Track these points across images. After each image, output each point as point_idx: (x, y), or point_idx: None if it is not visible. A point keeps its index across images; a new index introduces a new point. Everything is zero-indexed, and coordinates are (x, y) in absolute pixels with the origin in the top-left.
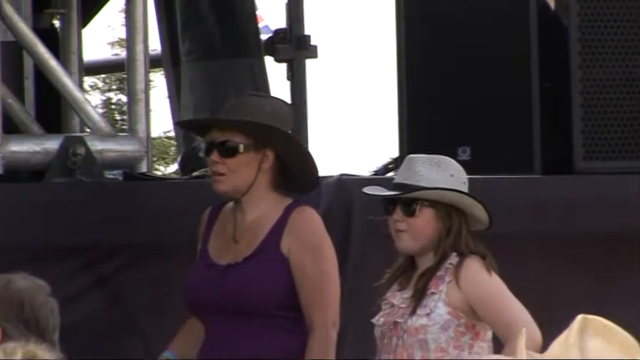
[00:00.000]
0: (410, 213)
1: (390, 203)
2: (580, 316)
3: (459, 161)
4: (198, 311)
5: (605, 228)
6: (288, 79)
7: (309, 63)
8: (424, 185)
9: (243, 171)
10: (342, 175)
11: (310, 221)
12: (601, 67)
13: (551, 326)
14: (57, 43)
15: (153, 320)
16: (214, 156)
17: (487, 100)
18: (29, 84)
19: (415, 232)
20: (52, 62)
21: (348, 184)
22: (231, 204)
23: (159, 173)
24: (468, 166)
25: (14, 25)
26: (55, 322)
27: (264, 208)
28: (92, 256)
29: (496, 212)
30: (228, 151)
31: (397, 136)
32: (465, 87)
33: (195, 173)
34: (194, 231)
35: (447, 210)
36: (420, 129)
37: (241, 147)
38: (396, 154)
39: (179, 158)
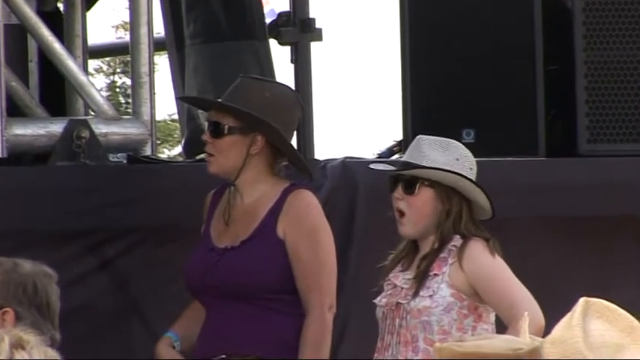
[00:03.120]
0: (410, 191)
1: (394, 181)
2: (582, 299)
3: (463, 144)
4: (198, 294)
5: (610, 210)
6: (292, 62)
7: (314, 46)
8: (426, 165)
9: (229, 153)
10: (346, 157)
11: (307, 205)
12: (605, 49)
13: (554, 309)
14: (61, 26)
15: (156, 303)
16: (206, 135)
17: (491, 82)
18: (33, 67)
19: (414, 212)
20: (56, 45)
21: (352, 166)
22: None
23: (163, 156)
24: (473, 149)
25: (18, 8)
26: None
27: (261, 191)
28: (96, 240)
29: (500, 195)
30: (216, 132)
31: (401, 118)
32: (469, 69)
33: (199, 156)
34: (198, 214)
35: (446, 192)
36: (424, 112)
37: (226, 128)
38: (400, 137)
39: (183, 141)
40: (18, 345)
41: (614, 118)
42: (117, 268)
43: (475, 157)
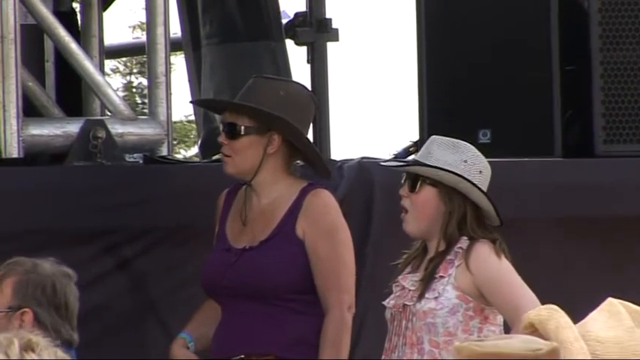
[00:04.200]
0: (412, 188)
1: (403, 179)
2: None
3: (479, 144)
4: (215, 294)
5: (625, 211)
6: (308, 62)
7: (330, 46)
8: (430, 164)
9: (246, 153)
10: (362, 158)
11: (325, 204)
12: (622, 50)
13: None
14: (77, 26)
15: (173, 304)
16: (222, 137)
17: (508, 83)
18: (50, 67)
19: (416, 210)
20: (73, 45)
21: (368, 167)
22: (245, 186)
23: (179, 156)
24: (489, 149)
25: (35, 8)
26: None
27: (278, 191)
28: (112, 240)
29: (516, 195)
30: (232, 133)
31: (417, 119)
32: (485, 70)
33: (215, 156)
34: (214, 214)
35: (448, 193)
36: (440, 112)
37: (242, 129)
38: (416, 137)
39: (199, 142)
40: (28, 347)
41: (631, 119)
42: (134, 269)
43: (491, 157)
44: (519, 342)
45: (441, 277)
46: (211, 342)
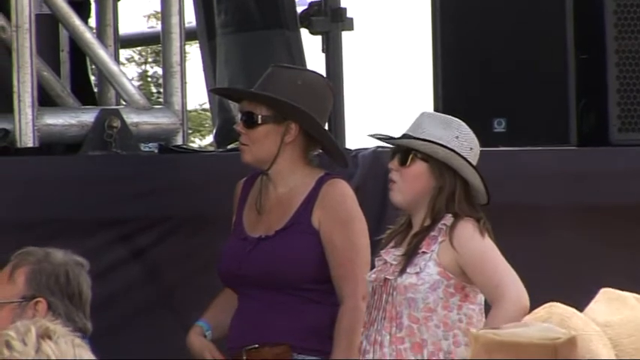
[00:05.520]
0: (403, 162)
1: (392, 153)
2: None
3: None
4: (231, 283)
5: None
6: (323, 51)
7: (345, 35)
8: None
9: (264, 142)
10: (377, 147)
11: (341, 194)
12: (637, 38)
13: (586, 297)
14: (91, 15)
15: (188, 293)
16: (239, 126)
17: (523, 71)
18: (65, 57)
19: (404, 183)
20: (88, 35)
21: (383, 156)
22: (262, 175)
23: (194, 146)
24: (504, 138)
25: None
26: (89, 296)
27: (294, 180)
28: (127, 230)
29: (531, 184)
30: (249, 122)
31: (432, 108)
32: (500, 59)
33: (230, 145)
34: (230, 203)
35: (439, 168)
36: (455, 101)
37: (259, 118)
38: None
39: (214, 131)
40: (45, 335)
41: None
42: (149, 258)
43: (506, 146)
44: (537, 330)
45: (424, 252)
46: (228, 330)
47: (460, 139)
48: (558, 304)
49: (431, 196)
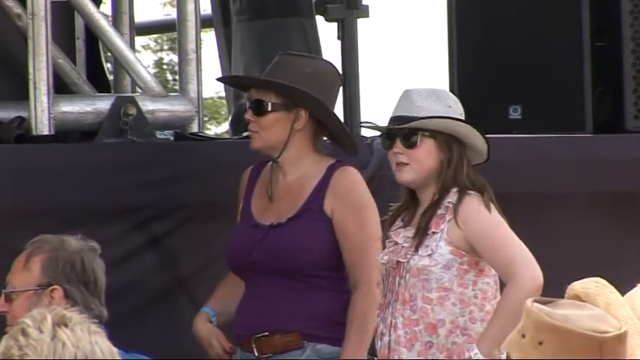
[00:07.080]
0: (411, 145)
1: (388, 137)
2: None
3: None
4: (241, 270)
5: None
6: (338, 38)
7: (361, 23)
8: (424, 116)
9: (273, 129)
10: None
11: (353, 181)
12: None
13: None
14: (105, 2)
15: (203, 281)
16: (248, 114)
17: (538, 59)
18: (80, 44)
19: (417, 163)
20: (103, 22)
21: None
22: (271, 163)
23: (210, 133)
24: (519, 125)
25: None
26: (104, 282)
27: (304, 168)
28: (143, 217)
29: (547, 171)
30: (259, 110)
31: None
32: (516, 45)
33: (246, 133)
34: (238, 191)
35: (446, 140)
36: (470, 88)
37: (269, 105)
38: None
39: (230, 118)
40: (61, 323)
41: None
42: (164, 246)
43: (522, 133)
44: (589, 319)
45: (434, 232)
46: (235, 317)
47: (453, 107)
48: (609, 286)
49: (440, 168)
